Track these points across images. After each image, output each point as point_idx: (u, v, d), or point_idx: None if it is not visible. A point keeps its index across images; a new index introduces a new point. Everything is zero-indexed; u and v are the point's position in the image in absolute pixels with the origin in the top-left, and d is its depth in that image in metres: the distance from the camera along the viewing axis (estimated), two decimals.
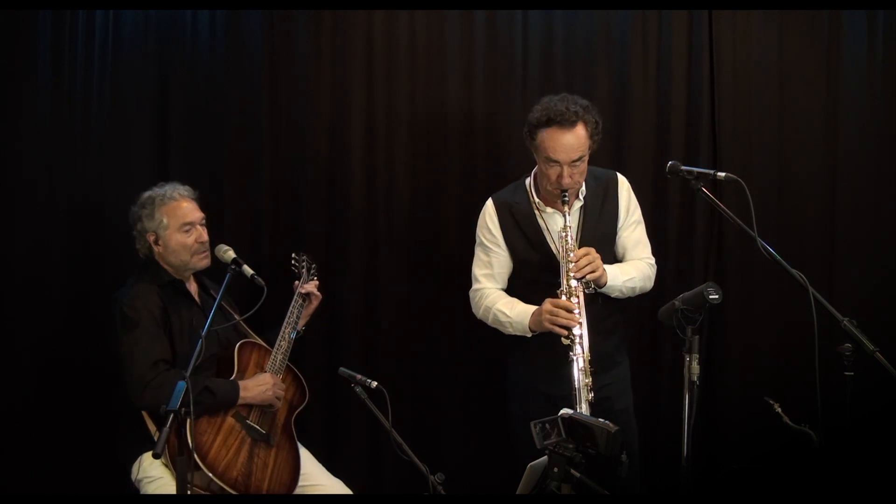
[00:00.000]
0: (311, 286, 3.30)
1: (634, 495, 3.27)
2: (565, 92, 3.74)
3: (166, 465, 2.84)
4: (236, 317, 3.19)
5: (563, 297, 3.00)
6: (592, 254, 3.03)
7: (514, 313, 3.17)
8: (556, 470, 2.42)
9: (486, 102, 3.78)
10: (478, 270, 3.30)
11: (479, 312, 3.30)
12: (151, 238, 3.08)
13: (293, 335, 3.22)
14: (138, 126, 3.75)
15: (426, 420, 3.78)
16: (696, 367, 2.59)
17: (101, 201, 3.71)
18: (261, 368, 3.09)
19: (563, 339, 2.97)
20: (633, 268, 3.20)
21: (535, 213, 3.20)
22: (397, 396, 3.66)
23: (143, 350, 2.89)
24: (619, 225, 3.24)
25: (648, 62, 3.76)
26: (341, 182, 3.78)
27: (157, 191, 3.13)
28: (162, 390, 2.77)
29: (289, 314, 3.20)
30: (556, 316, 2.98)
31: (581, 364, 2.93)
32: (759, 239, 2.76)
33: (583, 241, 3.09)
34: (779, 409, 2.73)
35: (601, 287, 3.10)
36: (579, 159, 3.04)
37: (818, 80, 3.74)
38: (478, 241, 3.31)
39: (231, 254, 3.06)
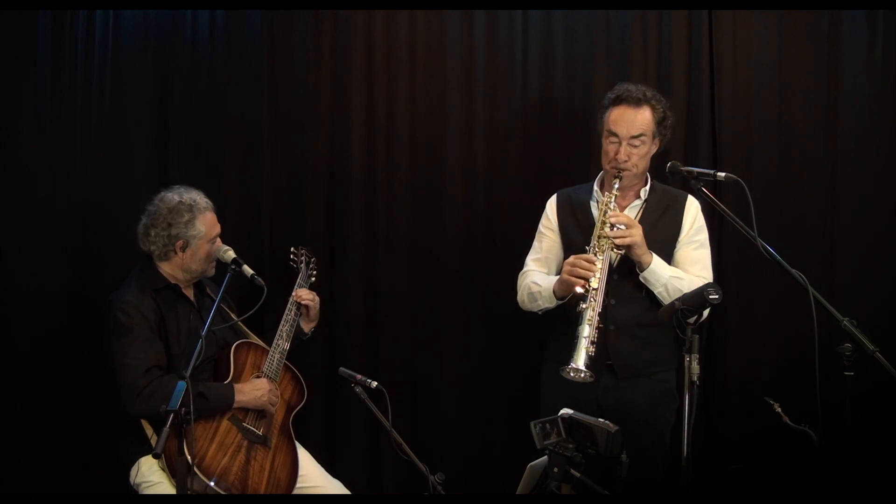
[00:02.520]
0: (307, 296, 3.25)
1: (633, 495, 3.27)
2: (564, 92, 3.75)
3: (163, 469, 2.84)
4: (234, 317, 3.17)
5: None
6: (633, 222, 3.01)
7: (544, 281, 3.15)
8: (556, 470, 2.42)
9: (486, 102, 3.77)
10: (529, 257, 3.30)
11: (519, 295, 3.26)
12: (180, 244, 3.04)
13: (300, 336, 3.24)
14: (138, 126, 3.74)
15: (426, 420, 3.78)
16: (696, 367, 2.59)
17: (101, 201, 3.71)
18: (258, 369, 3.08)
19: (577, 289, 2.94)
20: (686, 274, 3.11)
21: (591, 203, 3.20)
22: (397, 396, 3.66)
23: (135, 357, 2.86)
24: (679, 240, 3.18)
25: (648, 62, 3.75)
26: (341, 182, 3.78)
27: (187, 196, 3.08)
28: (154, 398, 2.77)
29: (286, 312, 3.18)
30: (575, 266, 2.96)
31: (589, 315, 2.89)
32: (758, 239, 2.76)
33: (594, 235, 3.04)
34: (779, 409, 2.72)
35: (643, 266, 3.04)
36: (639, 138, 3.08)
37: (818, 80, 3.74)
38: (537, 232, 3.32)
39: (231, 254, 3.06)
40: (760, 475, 3.64)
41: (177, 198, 3.07)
